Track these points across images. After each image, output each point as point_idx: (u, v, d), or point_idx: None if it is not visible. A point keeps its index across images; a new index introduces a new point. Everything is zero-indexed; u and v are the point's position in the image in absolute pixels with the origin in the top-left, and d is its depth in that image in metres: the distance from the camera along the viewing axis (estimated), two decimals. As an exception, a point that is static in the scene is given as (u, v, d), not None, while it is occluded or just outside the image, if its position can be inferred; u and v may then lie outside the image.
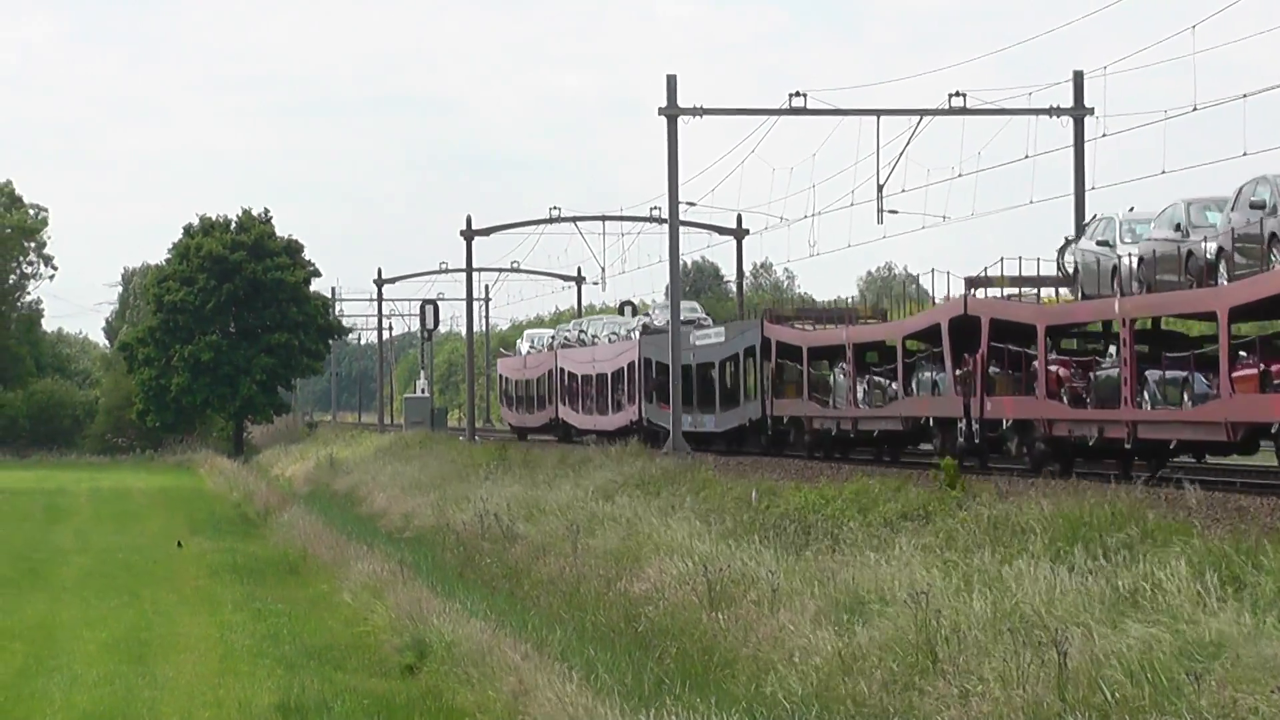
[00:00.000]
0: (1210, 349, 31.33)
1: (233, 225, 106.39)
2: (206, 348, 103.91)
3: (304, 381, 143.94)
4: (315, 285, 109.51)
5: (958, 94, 52.30)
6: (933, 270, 43.58)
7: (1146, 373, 32.58)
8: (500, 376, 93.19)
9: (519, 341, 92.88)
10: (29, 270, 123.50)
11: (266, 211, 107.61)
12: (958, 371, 39.48)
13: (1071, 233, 52.23)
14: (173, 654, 26.77)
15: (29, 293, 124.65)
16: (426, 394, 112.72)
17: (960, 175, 52.19)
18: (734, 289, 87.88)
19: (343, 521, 49.34)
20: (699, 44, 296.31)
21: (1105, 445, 34.12)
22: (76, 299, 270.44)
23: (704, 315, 68.28)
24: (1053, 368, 35.95)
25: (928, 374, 41.85)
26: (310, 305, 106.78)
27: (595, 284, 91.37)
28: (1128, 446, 33.11)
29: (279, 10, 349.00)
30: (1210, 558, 20.95)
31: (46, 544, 47.46)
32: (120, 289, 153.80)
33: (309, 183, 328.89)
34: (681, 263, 59.35)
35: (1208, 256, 31.53)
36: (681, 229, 57.62)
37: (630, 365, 66.01)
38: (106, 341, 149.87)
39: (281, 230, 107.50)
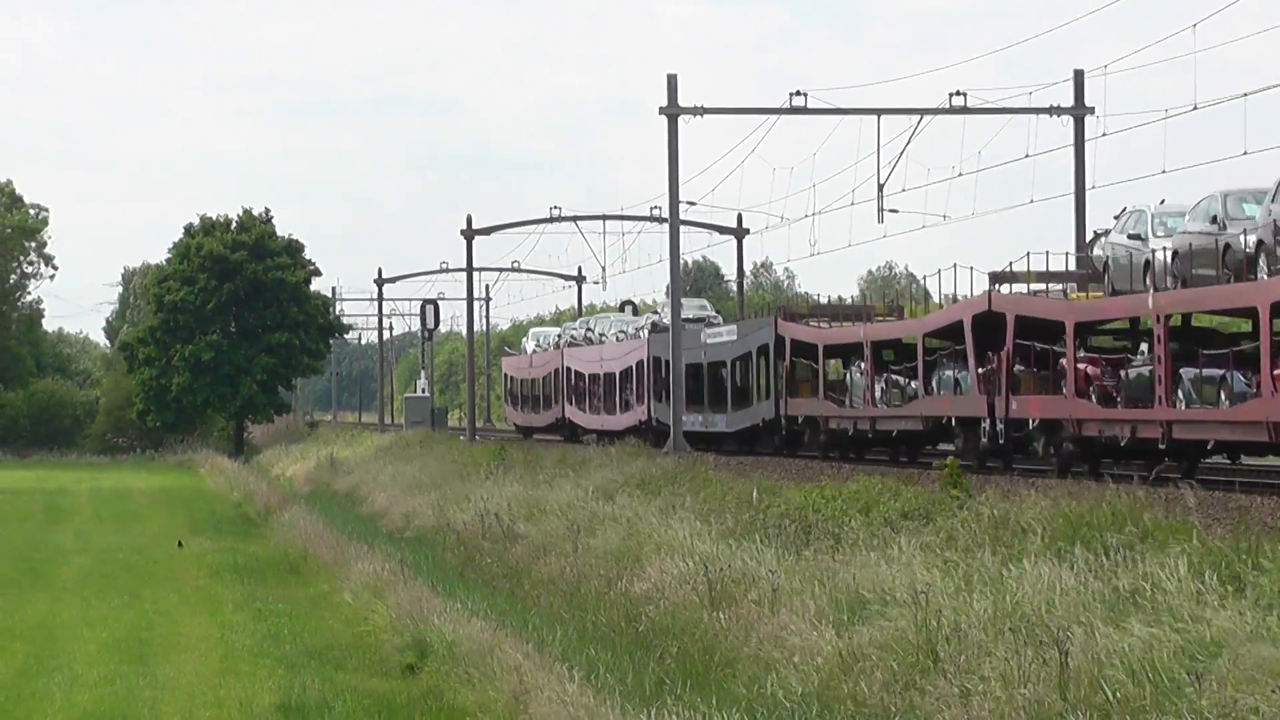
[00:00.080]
0: (1249, 346, 30.46)
1: (233, 225, 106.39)
2: (207, 347, 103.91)
3: (304, 381, 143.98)
4: (316, 285, 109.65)
5: (958, 93, 52.39)
6: (954, 265, 42.58)
7: (1181, 371, 31.55)
8: (505, 376, 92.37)
9: (524, 340, 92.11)
10: (29, 270, 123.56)
11: (267, 211, 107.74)
12: (981, 370, 38.66)
13: (1072, 232, 52.29)
14: (173, 654, 26.77)
15: (29, 292, 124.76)
16: (427, 394, 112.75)
17: (960, 175, 52.30)
18: (734, 288, 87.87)
19: (343, 521, 49.33)
20: (700, 44, 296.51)
21: (1137, 446, 33.15)
22: (77, 299, 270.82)
23: (714, 313, 67.57)
24: (1080, 366, 34.92)
25: (949, 372, 40.98)
26: (311, 305, 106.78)
27: (596, 283, 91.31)
28: (1162, 447, 32.05)
29: (280, 10, 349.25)
30: (1210, 558, 20.95)
31: (47, 544, 47.45)
32: (120, 289, 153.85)
33: (310, 182, 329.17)
34: (682, 262, 59.33)
35: (1246, 250, 30.35)
36: (682, 228, 57.66)
37: (639, 364, 65.21)
38: (107, 341, 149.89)
39: (282, 230, 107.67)
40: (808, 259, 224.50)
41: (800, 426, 50.51)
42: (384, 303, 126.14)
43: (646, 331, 66.33)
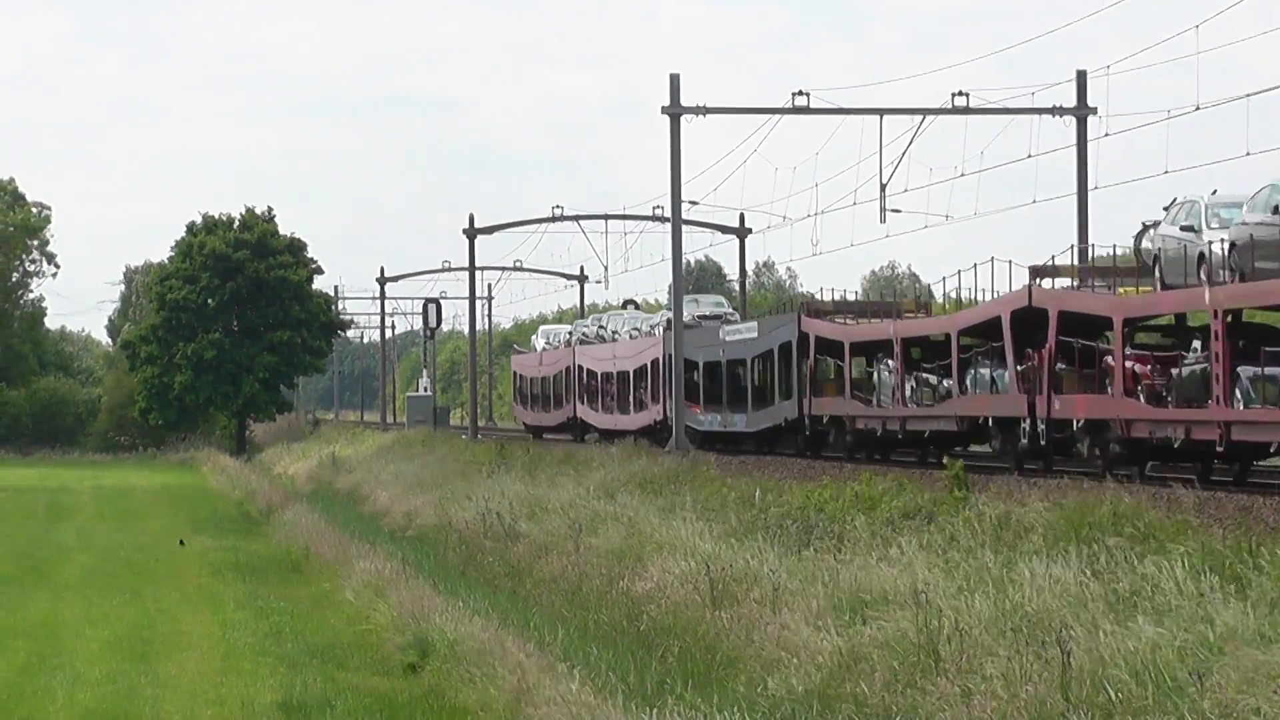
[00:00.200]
0: None
1: (236, 224, 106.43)
2: (209, 346, 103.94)
3: (306, 380, 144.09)
4: (318, 284, 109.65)
5: (960, 93, 52.38)
6: (991, 259, 41.20)
7: (1239, 369, 29.86)
8: (514, 374, 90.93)
9: (534, 338, 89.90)
10: (32, 268, 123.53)
11: (270, 210, 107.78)
12: (1020, 367, 37.07)
13: (1075, 233, 52.25)
14: (175, 652, 26.77)
15: (32, 291, 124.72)
16: (429, 392, 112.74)
17: (963, 175, 52.23)
18: (736, 288, 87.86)
19: (345, 520, 49.36)
20: (702, 44, 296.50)
21: (1191, 448, 31.58)
22: (79, 297, 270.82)
23: (731, 310, 66.18)
24: (1128, 364, 33.24)
25: (985, 370, 39.41)
26: (313, 303, 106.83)
27: (598, 283, 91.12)
28: (1220, 449, 30.50)
29: (281, 10, 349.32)
30: (1210, 558, 20.97)
31: (49, 542, 47.47)
32: (123, 287, 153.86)
33: (311, 182, 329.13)
34: (684, 262, 59.27)
35: None
36: (684, 228, 57.66)
37: (654, 362, 63.51)
38: (109, 339, 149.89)
39: (284, 229, 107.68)
40: (810, 259, 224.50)
41: (825, 427, 48.71)
42: (386, 301, 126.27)
43: (661, 329, 64.79)
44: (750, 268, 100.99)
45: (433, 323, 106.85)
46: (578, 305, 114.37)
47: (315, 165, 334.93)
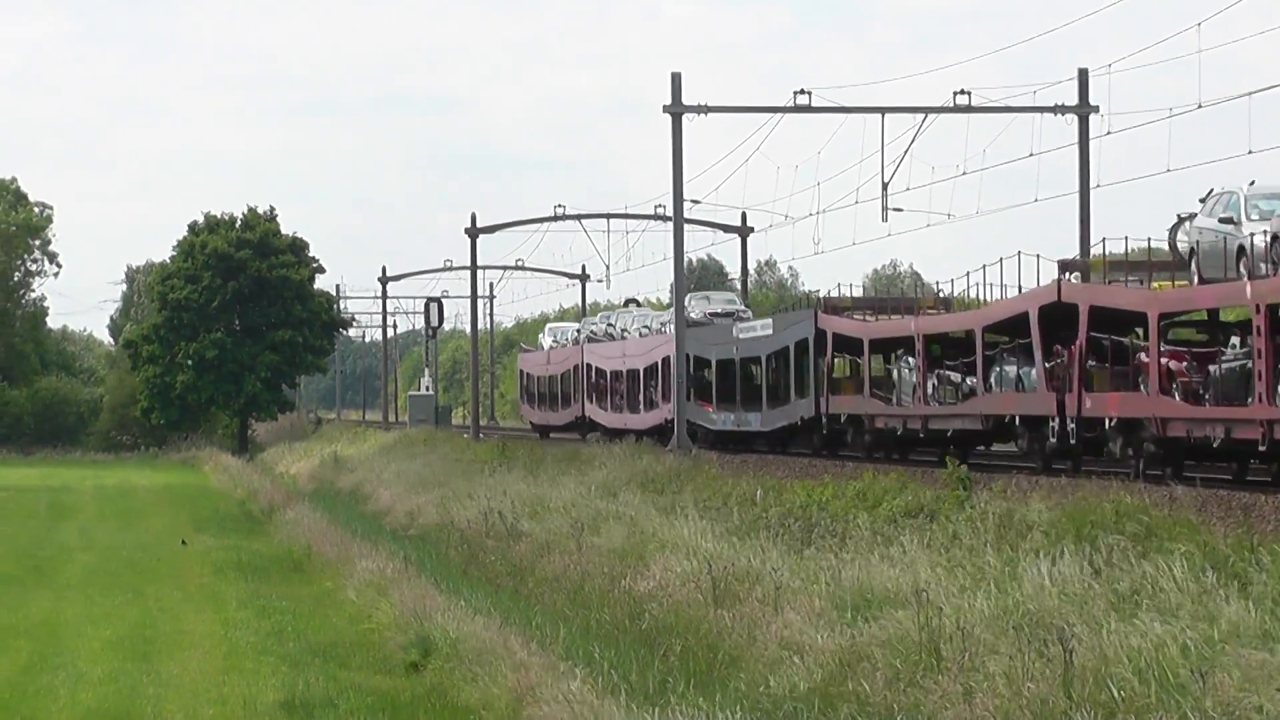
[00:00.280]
0: None
1: (238, 223, 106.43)
2: (211, 345, 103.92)
3: (308, 379, 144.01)
4: (319, 283, 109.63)
5: (962, 92, 52.36)
6: (1018, 254, 40.28)
7: None
8: (520, 373, 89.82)
9: (541, 336, 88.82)
10: (34, 268, 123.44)
11: (272, 209, 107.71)
12: (1048, 364, 36.18)
13: (1077, 230, 52.23)
14: (177, 651, 26.77)
15: (34, 290, 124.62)
16: (431, 392, 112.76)
17: (965, 173, 52.20)
18: (738, 287, 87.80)
19: (347, 519, 49.37)
20: (703, 43, 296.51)
21: (1231, 447, 30.67)
22: (81, 297, 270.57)
23: (743, 307, 65.28)
24: (1163, 360, 32.32)
25: (1010, 367, 38.48)
26: (314, 302, 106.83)
27: (600, 282, 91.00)
28: (1262, 449, 29.42)
29: (282, 10, 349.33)
30: (1211, 557, 20.97)
31: (51, 541, 47.47)
32: (124, 286, 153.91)
33: (312, 182, 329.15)
34: (686, 261, 59.23)
35: None
36: (686, 227, 57.66)
37: (665, 360, 62.37)
38: (111, 339, 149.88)
39: (286, 229, 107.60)
40: (812, 257, 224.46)
41: (843, 425, 47.60)
42: (388, 300, 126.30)
43: (671, 326, 64.21)
44: (752, 267, 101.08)
45: (434, 322, 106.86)
46: (579, 304, 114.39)
47: (316, 165, 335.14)
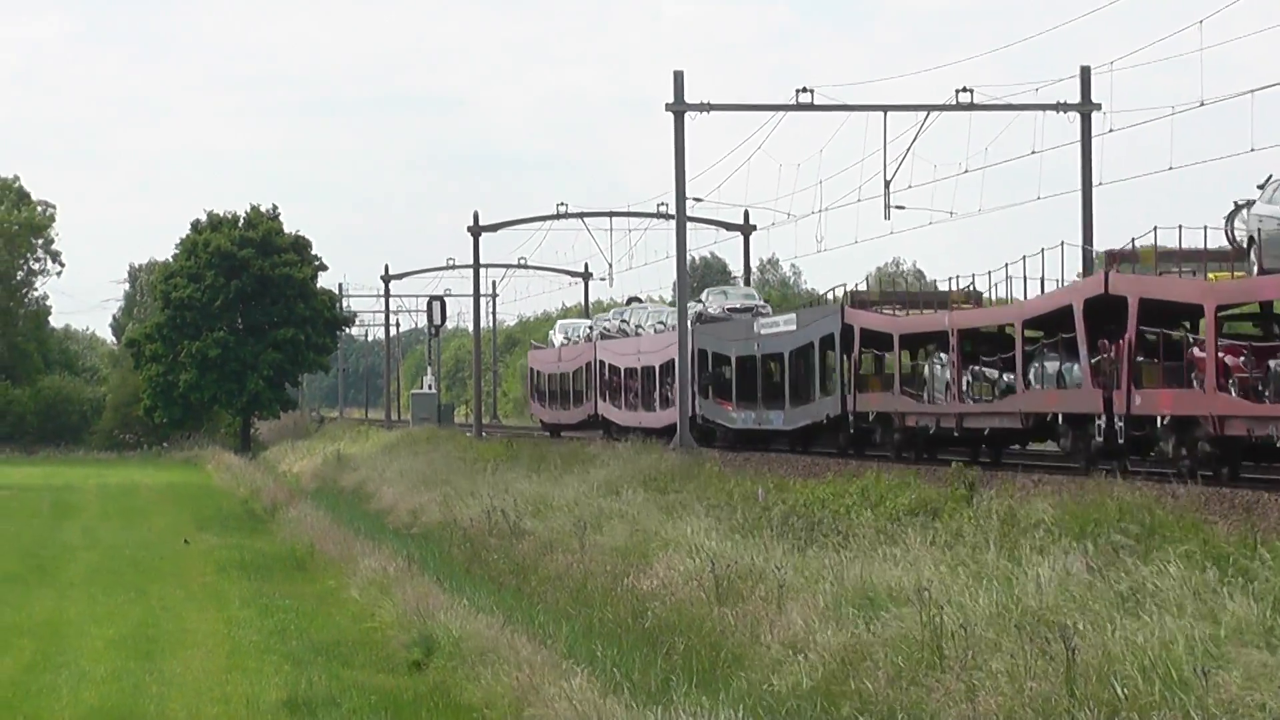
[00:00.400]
0: None
1: (240, 222, 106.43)
2: (214, 344, 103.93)
3: (311, 378, 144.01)
4: (322, 281, 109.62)
5: (964, 90, 52.39)
6: (1061, 244, 39.24)
7: None
8: (530, 370, 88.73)
9: (551, 333, 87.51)
10: (36, 267, 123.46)
11: (274, 208, 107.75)
12: (1094, 360, 34.65)
13: (1080, 229, 52.19)
14: (180, 650, 26.78)
15: (36, 289, 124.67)
16: (433, 390, 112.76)
17: (967, 171, 52.18)
18: (741, 284, 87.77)
19: (350, 517, 49.37)
20: (706, 41, 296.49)
21: None
22: (84, 296, 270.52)
23: (763, 303, 64.09)
24: (1219, 355, 30.73)
25: (1052, 363, 36.99)
26: (317, 301, 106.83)
27: (603, 280, 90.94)
28: None
29: (282, 10, 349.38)
30: (1215, 554, 20.96)
31: (54, 540, 47.48)
32: (127, 285, 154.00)
33: (314, 181, 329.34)
34: (689, 258, 59.22)
35: None
36: (689, 225, 57.65)
37: None
38: (114, 338, 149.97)
39: (288, 228, 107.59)
40: (814, 255, 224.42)
41: (871, 424, 45.87)
42: (390, 299, 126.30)
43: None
44: (755, 265, 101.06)
45: (437, 320, 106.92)
46: (582, 303, 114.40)
47: (318, 164, 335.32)
